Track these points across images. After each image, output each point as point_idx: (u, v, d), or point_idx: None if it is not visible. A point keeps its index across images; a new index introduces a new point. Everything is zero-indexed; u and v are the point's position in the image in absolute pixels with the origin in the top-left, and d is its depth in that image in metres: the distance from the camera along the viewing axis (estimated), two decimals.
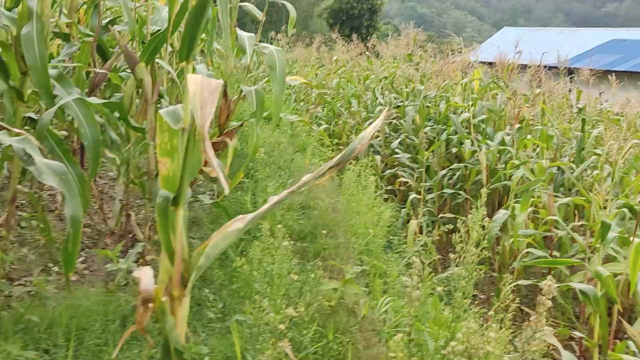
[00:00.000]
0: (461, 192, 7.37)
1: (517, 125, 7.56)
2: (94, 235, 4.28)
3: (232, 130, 3.72)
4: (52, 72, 3.05)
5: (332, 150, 9.71)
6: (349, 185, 5.38)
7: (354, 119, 10.07)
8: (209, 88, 1.50)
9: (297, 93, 13.62)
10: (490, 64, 10.41)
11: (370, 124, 8.28)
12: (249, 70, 3.74)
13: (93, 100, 3.14)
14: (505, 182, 7.20)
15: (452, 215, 7.30)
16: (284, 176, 4.72)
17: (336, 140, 10.24)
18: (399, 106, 10.03)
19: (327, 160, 7.67)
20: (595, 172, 6.39)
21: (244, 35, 3.71)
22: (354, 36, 15.68)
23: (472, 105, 7.74)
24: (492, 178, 7.37)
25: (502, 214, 5.69)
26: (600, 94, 10.88)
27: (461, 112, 8.42)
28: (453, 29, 12.20)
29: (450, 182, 7.76)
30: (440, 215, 7.37)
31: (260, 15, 3.75)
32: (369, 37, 20.78)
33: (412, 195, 7.24)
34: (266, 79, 5.07)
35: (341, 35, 13.85)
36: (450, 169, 7.43)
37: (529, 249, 5.86)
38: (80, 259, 3.83)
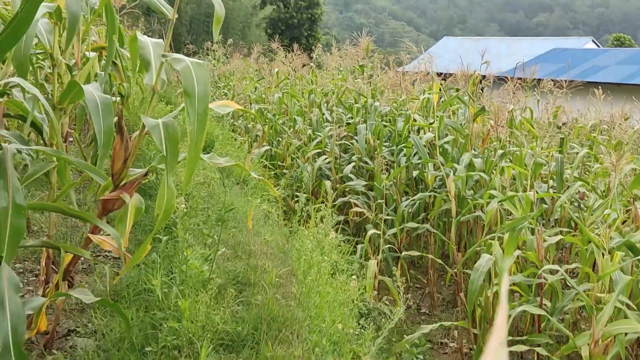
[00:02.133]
0: (425, 225, 6.36)
1: (487, 147, 6.62)
2: None
3: (132, 181, 2.55)
4: None
5: (276, 177, 8.58)
6: (302, 241, 4.24)
7: (299, 138, 8.96)
8: None
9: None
10: (439, 74, 9.54)
11: (318, 144, 7.15)
12: (153, 93, 2.57)
13: None
14: (477, 213, 6.25)
15: (419, 254, 6.28)
16: (215, 233, 3.51)
17: (279, 163, 9.11)
18: (348, 124, 9.00)
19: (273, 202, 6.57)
20: (597, 203, 5.46)
21: (146, 41, 2.55)
22: (295, 46, 14.62)
23: (436, 123, 6.75)
24: (461, 207, 6.40)
25: (485, 261, 4.69)
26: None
27: (419, 131, 7.45)
28: (391, 40, 11.31)
29: (410, 210, 6.76)
30: (404, 252, 6.32)
31: (169, 12, 2.57)
32: (311, 48, 19.78)
33: (371, 231, 6.16)
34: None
35: (282, 45, 12.69)
36: (412, 199, 6.40)
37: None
38: None
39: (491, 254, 4.95)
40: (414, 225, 6.17)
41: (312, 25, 43.01)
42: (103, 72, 4.90)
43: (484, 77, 8.73)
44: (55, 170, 3.10)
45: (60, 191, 3.02)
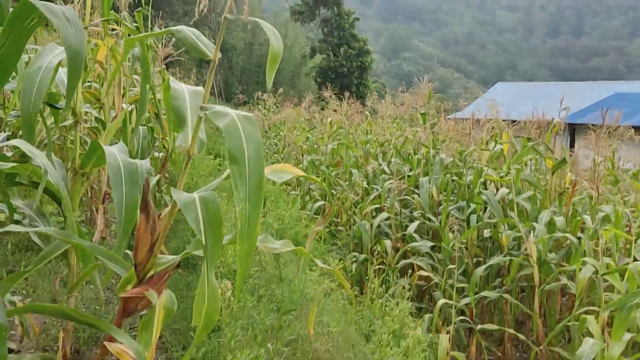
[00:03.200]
0: (504, 295, 5.58)
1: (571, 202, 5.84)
2: None
3: (161, 273, 1.95)
4: None
5: (331, 235, 7.94)
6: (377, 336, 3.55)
7: (355, 192, 8.32)
8: None
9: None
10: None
11: (376, 198, 6.47)
12: (189, 158, 1.98)
13: None
14: (563, 281, 5.45)
15: (497, 327, 5.49)
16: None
17: (334, 219, 8.46)
18: (408, 176, 8.33)
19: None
20: None
21: (181, 89, 1.98)
22: (347, 94, 14.13)
23: (512, 177, 6.02)
24: (543, 273, 5.62)
25: (590, 346, 3.90)
26: None
27: (485, 184, 6.71)
28: (440, 87, 10.60)
29: (481, 274, 5.98)
30: (479, 325, 5.53)
31: (211, 53, 1.98)
32: (362, 96, 19.34)
33: (442, 301, 5.41)
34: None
35: (334, 94, 12.21)
36: (488, 264, 5.63)
37: None
38: None
39: (584, 330, 4.17)
40: (492, 294, 5.39)
41: (362, 73, 42.80)
42: (143, 127, 4.40)
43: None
44: (73, 250, 2.54)
45: (79, 275, 2.45)
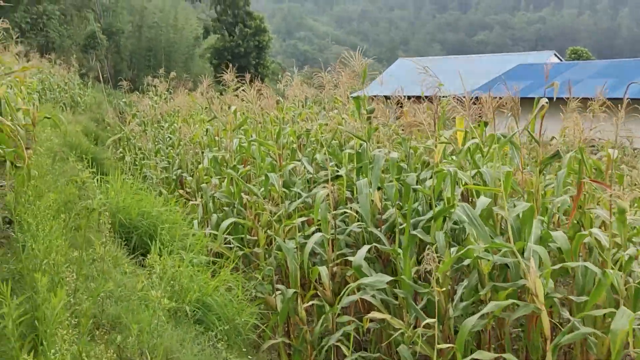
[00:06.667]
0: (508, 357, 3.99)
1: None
2: None
3: None
4: None
5: (247, 259, 6.15)
6: None
7: (274, 202, 6.52)
8: None
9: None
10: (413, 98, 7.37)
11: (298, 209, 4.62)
12: None
13: None
14: (582, 329, 3.93)
15: None
16: None
17: (247, 236, 6.61)
18: (337, 176, 6.61)
19: None
20: None
21: None
22: (247, 76, 12.17)
23: (488, 180, 4.43)
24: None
25: None
26: None
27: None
28: (328, 65, 8.88)
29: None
30: None
31: None
32: (262, 77, 17.42)
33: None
34: None
35: (237, 77, 10.24)
36: (481, 313, 3.99)
37: None
38: None
39: None
40: (488, 356, 3.76)
41: (260, 53, 40.62)
42: None
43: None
44: None
45: None
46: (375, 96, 8.17)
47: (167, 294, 3.10)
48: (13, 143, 5.08)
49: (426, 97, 6.83)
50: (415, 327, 4.61)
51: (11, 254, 3.68)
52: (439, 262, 4.04)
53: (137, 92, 22.45)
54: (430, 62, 37.68)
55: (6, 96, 5.81)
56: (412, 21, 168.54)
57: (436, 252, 4.47)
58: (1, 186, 5.38)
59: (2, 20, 5.40)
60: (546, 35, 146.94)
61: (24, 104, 7.63)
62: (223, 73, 10.33)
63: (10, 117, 5.65)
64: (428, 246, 4.77)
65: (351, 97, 6.55)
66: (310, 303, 5.47)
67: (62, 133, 10.28)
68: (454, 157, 6.71)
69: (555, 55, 35.37)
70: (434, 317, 4.67)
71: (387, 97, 8.54)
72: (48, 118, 9.06)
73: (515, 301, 3.91)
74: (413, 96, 7.53)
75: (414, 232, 4.69)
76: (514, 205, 4.32)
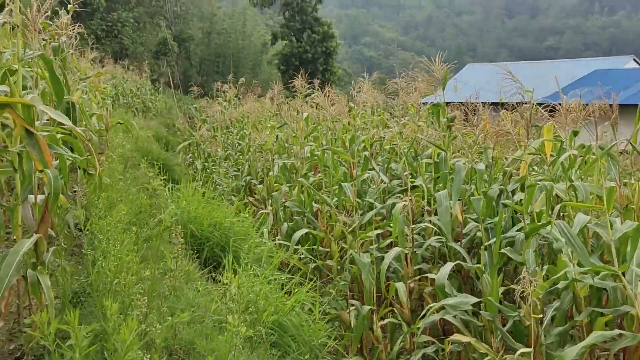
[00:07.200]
0: None
1: None
2: None
3: None
4: None
5: (319, 272, 5.93)
6: None
7: (347, 212, 6.29)
8: None
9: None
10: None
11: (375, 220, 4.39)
12: None
13: None
14: None
15: None
16: None
17: (320, 247, 6.40)
18: (414, 187, 6.33)
19: None
20: None
21: None
22: (316, 82, 12.00)
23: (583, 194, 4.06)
24: None
25: None
26: None
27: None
28: (402, 71, 8.48)
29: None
30: None
31: None
32: (331, 83, 17.24)
33: None
34: None
35: (307, 83, 10.08)
36: (581, 346, 3.63)
37: None
38: None
39: None
40: None
41: (327, 59, 40.53)
42: None
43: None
44: None
45: None
46: (449, 103, 7.84)
47: (244, 317, 2.90)
48: (86, 149, 5.05)
49: (503, 103, 6.49)
50: (498, 352, 4.29)
51: (82, 265, 3.58)
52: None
53: (207, 98, 22.69)
54: (499, 68, 36.50)
55: (81, 102, 5.80)
56: (480, 26, 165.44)
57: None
58: (74, 192, 5.36)
59: (78, 26, 5.39)
60: (621, 39, 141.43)
61: (98, 109, 7.70)
62: (291, 79, 10.22)
63: (84, 123, 5.64)
64: (517, 265, 4.44)
65: (428, 104, 6.25)
66: (386, 321, 5.20)
67: (133, 138, 10.39)
68: (535, 168, 6.33)
69: (635, 60, 33.76)
70: (521, 342, 4.35)
71: (461, 103, 8.20)
72: (120, 123, 9.17)
73: (622, 332, 3.53)
74: (488, 102, 7.20)
75: (504, 250, 4.36)
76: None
